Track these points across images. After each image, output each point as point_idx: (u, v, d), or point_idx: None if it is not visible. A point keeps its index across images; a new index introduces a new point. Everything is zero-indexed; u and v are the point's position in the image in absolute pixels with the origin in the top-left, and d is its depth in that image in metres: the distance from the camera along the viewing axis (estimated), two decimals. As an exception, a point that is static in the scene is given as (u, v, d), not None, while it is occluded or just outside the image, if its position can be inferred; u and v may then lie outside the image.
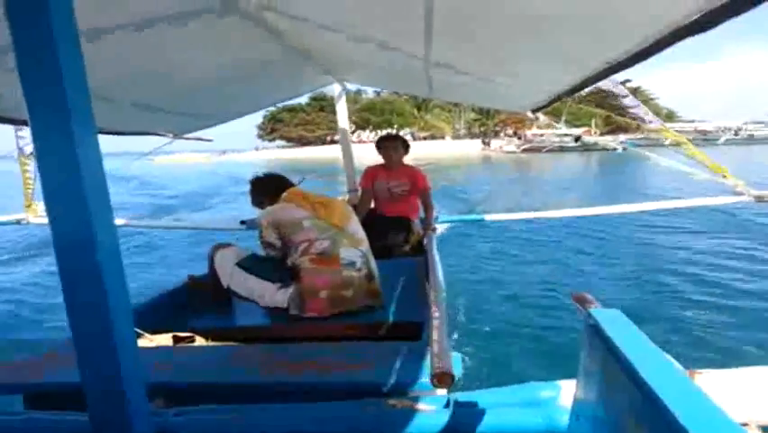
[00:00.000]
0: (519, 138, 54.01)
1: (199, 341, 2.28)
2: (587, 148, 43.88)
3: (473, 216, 6.14)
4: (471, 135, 69.87)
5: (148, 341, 2.19)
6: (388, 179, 4.48)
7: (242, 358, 1.91)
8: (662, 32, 1.57)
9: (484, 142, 58.29)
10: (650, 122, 4.23)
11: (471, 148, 53.92)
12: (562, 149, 47.04)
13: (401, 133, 5.04)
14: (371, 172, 4.60)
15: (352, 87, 5.44)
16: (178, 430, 1.26)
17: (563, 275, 6.03)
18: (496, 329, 4.17)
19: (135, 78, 2.52)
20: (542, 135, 50.51)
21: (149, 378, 1.10)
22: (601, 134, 47.23)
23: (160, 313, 2.56)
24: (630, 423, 0.80)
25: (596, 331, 0.98)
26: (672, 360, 0.87)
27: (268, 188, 2.83)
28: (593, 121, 49.83)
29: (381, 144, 4.54)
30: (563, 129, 42.08)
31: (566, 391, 1.28)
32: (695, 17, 1.37)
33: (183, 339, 2.27)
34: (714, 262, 6.45)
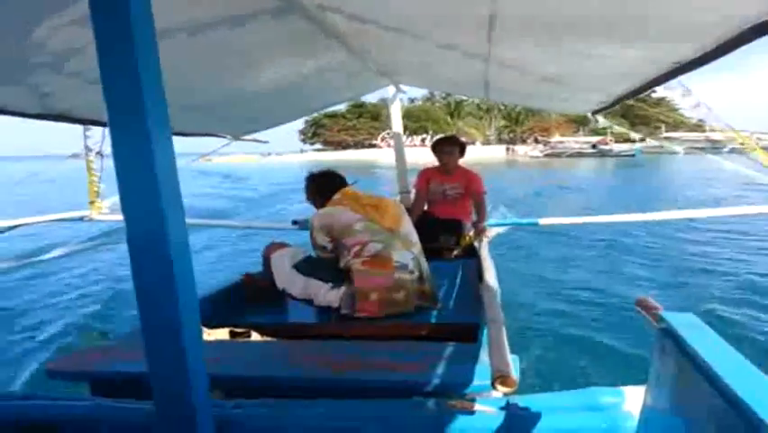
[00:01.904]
0: (543, 144, 59.12)
1: (255, 336, 2.33)
2: (603, 154, 49.86)
3: (526, 220, 6.04)
4: (501, 141, 73.88)
5: (206, 335, 2.24)
6: (443, 181, 4.46)
7: (298, 354, 1.93)
8: (731, 32, 1.51)
9: (508, 149, 63.58)
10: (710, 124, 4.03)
11: (498, 153, 58.73)
12: (580, 154, 51.74)
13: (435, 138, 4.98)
14: (426, 174, 4.59)
15: (387, 95, 5.46)
16: (237, 422, 1.28)
17: (618, 280, 5.85)
18: (548, 333, 4.08)
19: (196, 80, 2.60)
20: (563, 142, 56.63)
21: (208, 370, 1.12)
22: (631, 141, 51.94)
23: (217, 308, 2.62)
24: (710, 431, 0.76)
25: (669, 335, 0.94)
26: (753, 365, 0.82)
27: (323, 185, 2.84)
28: (608, 131, 52.19)
29: (438, 147, 4.52)
30: (583, 137, 53.16)
31: (630, 398, 1.24)
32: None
33: (240, 334, 2.32)
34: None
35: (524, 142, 70.21)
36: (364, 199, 2.68)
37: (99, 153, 5.37)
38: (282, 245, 2.85)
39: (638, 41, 1.96)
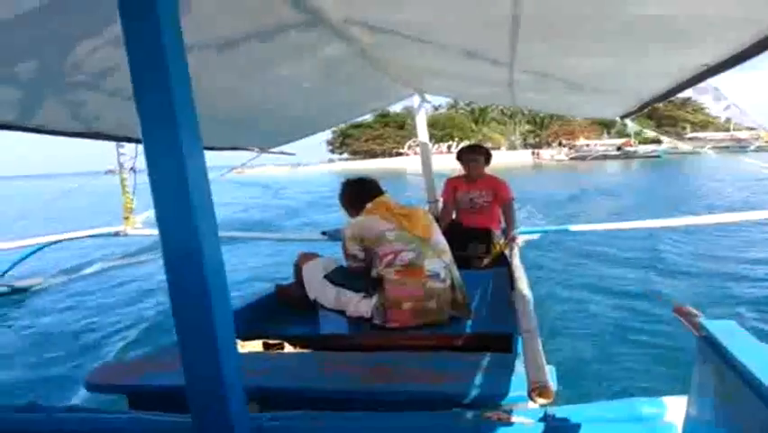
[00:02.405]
0: (568, 148, 61.90)
1: (288, 348, 2.34)
2: (627, 156, 51.62)
3: (557, 227, 5.98)
4: (526, 146, 74.48)
5: (240, 347, 2.26)
6: (469, 189, 4.44)
7: (331, 365, 1.94)
8: (760, 34, 1.48)
9: (533, 153, 64.29)
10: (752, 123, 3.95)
11: (524, 158, 59.36)
12: (605, 157, 53.19)
13: (461, 145, 4.97)
14: (452, 183, 4.58)
15: (412, 104, 5.48)
16: None
17: (653, 286, 5.73)
18: (586, 343, 4.01)
19: (224, 95, 2.65)
20: (588, 145, 59.26)
21: (242, 382, 1.13)
22: (657, 142, 53.81)
23: (249, 320, 2.64)
24: None
25: (709, 343, 0.92)
26: None
27: (358, 192, 2.82)
28: (632, 133, 54.80)
29: (463, 156, 4.51)
30: (607, 140, 56.97)
31: (672, 408, 1.21)
32: None
33: (273, 346, 2.34)
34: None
35: (549, 145, 71.14)
36: (396, 209, 2.68)
37: (132, 169, 5.52)
38: (313, 255, 2.87)
39: (666, 42, 1.93)
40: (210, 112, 2.73)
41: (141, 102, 0.95)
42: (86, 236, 6.22)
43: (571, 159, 55.46)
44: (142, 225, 5.81)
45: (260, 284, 5.56)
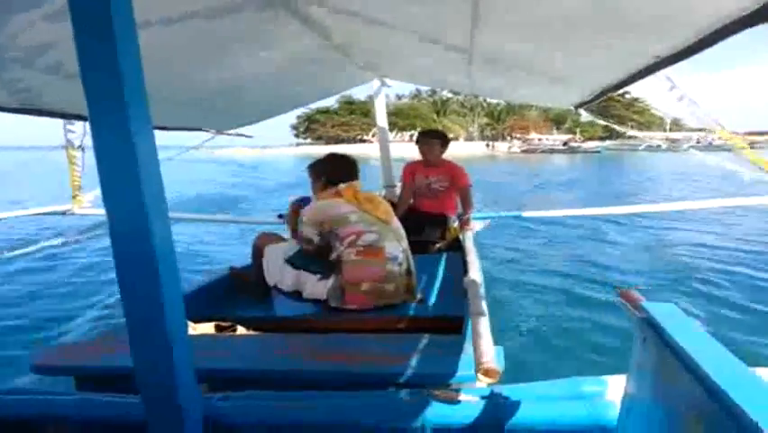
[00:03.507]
0: (521, 141, 69.20)
1: (241, 330, 2.32)
2: (572, 150, 59.37)
3: (510, 213, 6.09)
4: (483, 138, 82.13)
5: (191, 329, 2.22)
6: (427, 174, 4.47)
7: (283, 347, 1.93)
8: (713, 25, 1.52)
9: (487, 145, 71.82)
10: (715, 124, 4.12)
11: (478, 149, 66.04)
12: (552, 151, 60.61)
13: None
14: (411, 168, 4.59)
15: (372, 88, 5.48)
16: (225, 415, 1.28)
17: (601, 271, 5.93)
18: (533, 325, 4.12)
19: (178, 74, 2.57)
20: (539, 140, 67.45)
21: (194, 365, 1.12)
22: (600, 139, 67.80)
23: (202, 302, 2.61)
24: (690, 419, 0.77)
25: (650, 325, 0.95)
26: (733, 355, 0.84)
27: (340, 170, 2.74)
28: (577, 130, 70.51)
29: (419, 140, 4.53)
30: (555, 135, 66.47)
31: (613, 387, 1.26)
32: (751, 9, 1.32)
33: (226, 328, 2.31)
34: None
35: (504, 138, 77.96)
36: (360, 193, 2.67)
37: (81, 147, 5.32)
38: (273, 236, 2.82)
39: (619, 32, 1.97)
40: (162, 92, 2.66)
41: (87, 79, 0.92)
42: (33, 214, 5.98)
43: (523, 151, 61.67)
44: (91, 204, 5.62)
45: (214, 266, 5.49)
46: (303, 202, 2.82)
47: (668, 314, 0.95)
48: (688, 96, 3.85)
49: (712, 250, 6.95)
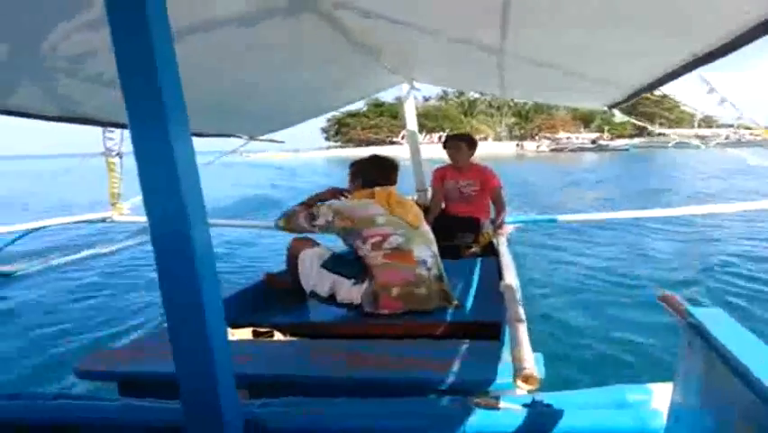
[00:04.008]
0: (549, 140, 67.87)
1: (278, 336, 2.34)
2: (601, 148, 58.61)
3: (545, 217, 6.01)
4: (512, 137, 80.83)
5: (229, 335, 2.25)
6: (457, 178, 4.44)
7: (321, 353, 1.94)
8: (747, 24, 1.48)
9: (517, 145, 71.02)
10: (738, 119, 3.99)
11: (508, 149, 65.11)
12: (581, 149, 59.83)
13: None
14: (440, 172, 4.58)
15: (401, 91, 5.46)
16: (264, 421, 1.29)
17: (643, 276, 5.78)
18: (573, 331, 4.04)
19: (211, 81, 2.62)
20: (568, 138, 66.91)
21: (233, 370, 1.13)
22: (630, 137, 67.25)
23: (239, 308, 2.64)
24: (741, 426, 0.75)
25: (696, 330, 0.93)
26: None
27: (380, 172, 2.75)
28: (603, 127, 70.85)
29: (447, 144, 4.51)
30: (583, 134, 67.47)
31: (658, 395, 1.22)
32: None
33: (262, 334, 2.34)
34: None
35: (532, 138, 76.83)
36: (393, 197, 2.66)
37: (119, 155, 5.45)
38: (306, 241, 2.82)
39: (654, 31, 1.93)
40: (197, 98, 2.70)
41: (127, 87, 0.94)
42: (73, 222, 6.14)
43: (552, 150, 61.21)
44: (130, 211, 5.76)
45: (251, 273, 5.55)
46: (341, 192, 2.84)
47: (715, 318, 0.92)
48: (721, 92, 3.75)
49: (755, 249, 6.74)
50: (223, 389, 1.07)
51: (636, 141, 63.58)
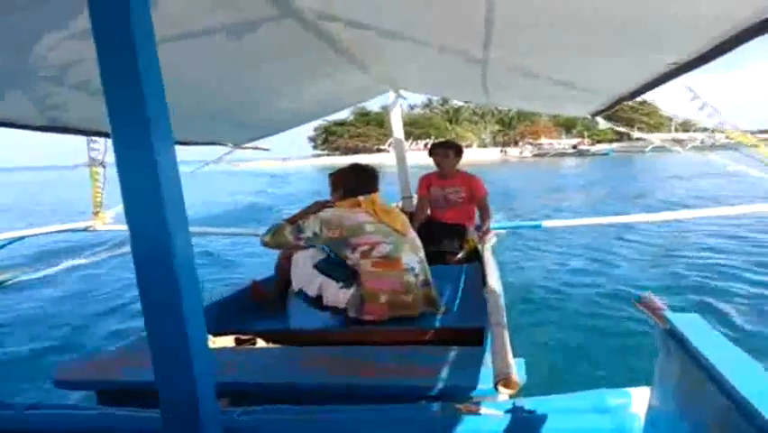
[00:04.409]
0: (532, 146, 70.94)
1: (260, 343, 2.33)
2: (581, 153, 61.22)
3: (530, 223, 6.04)
4: (496, 144, 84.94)
5: (211, 343, 2.24)
6: (443, 185, 4.46)
7: (304, 360, 1.93)
8: (727, 32, 1.51)
9: (501, 151, 73.98)
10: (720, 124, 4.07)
11: (492, 155, 68.05)
12: (563, 154, 62.55)
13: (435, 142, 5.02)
14: (427, 180, 4.59)
15: (388, 100, 5.50)
16: (245, 429, 1.28)
17: (624, 280, 5.84)
18: (556, 335, 4.07)
19: (196, 90, 2.61)
20: (550, 144, 69.52)
21: (214, 378, 1.13)
22: (609, 141, 70.10)
23: (222, 316, 2.63)
24: (716, 431, 0.76)
25: (673, 336, 0.94)
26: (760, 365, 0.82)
27: (361, 182, 2.74)
28: (583, 133, 73.97)
29: (433, 151, 4.53)
30: (565, 139, 73.06)
31: (637, 399, 1.24)
32: (765, 16, 1.31)
33: (245, 341, 2.33)
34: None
35: (516, 144, 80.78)
36: (378, 204, 2.67)
37: (102, 164, 5.40)
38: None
39: (634, 41, 1.96)
40: (181, 107, 2.69)
41: (109, 96, 0.94)
42: (55, 231, 6.07)
43: (534, 156, 63.94)
44: (113, 220, 5.70)
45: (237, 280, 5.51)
46: (325, 205, 2.84)
47: (691, 324, 0.93)
48: (702, 98, 3.83)
49: (736, 253, 6.82)
50: (202, 397, 1.07)
51: (615, 145, 66.36)
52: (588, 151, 63.95)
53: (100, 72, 0.93)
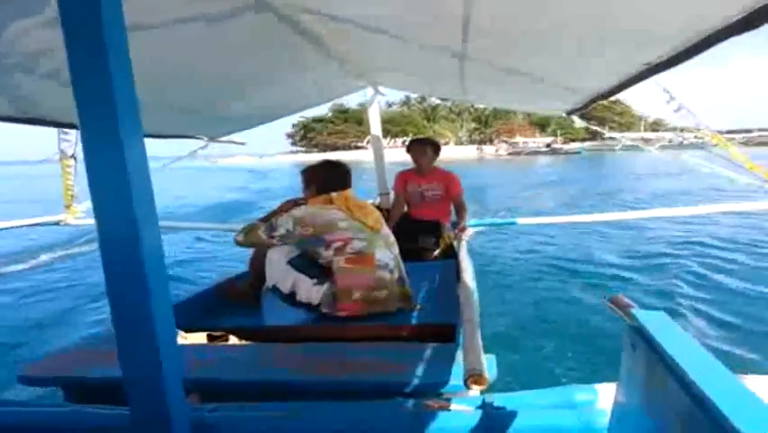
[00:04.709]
0: (507, 144, 75.81)
1: (233, 340, 2.31)
2: (554, 152, 64.69)
3: (505, 220, 6.10)
4: (472, 142, 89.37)
5: (182, 339, 2.22)
6: (420, 182, 4.48)
7: (275, 357, 1.92)
8: (702, 33, 1.53)
9: (478, 149, 78.70)
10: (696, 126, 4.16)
11: (469, 152, 72.52)
12: (536, 152, 66.07)
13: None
14: (404, 176, 4.60)
15: (366, 96, 5.50)
16: (214, 426, 1.27)
17: (595, 278, 5.93)
18: (527, 332, 4.12)
19: (169, 79, 2.57)
20: (525, 143, 74.43)
21: (184, 375, 1.11)
22: (582, 140, 73.94)
23: (194, 312, 2.60)
24: (677, 428, 0.77)
25: (639, 333, 0.95)
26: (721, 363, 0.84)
27: (333, 178, 2.73)
28: (557, 132, 78.65)
29: (411, 148, 4.54)
30: (539, 138, 76.06)
31: (604, 395, 1.25)
32: (737, 17, 1.33)
33: (217, 338, 2.30)
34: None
35: (491, 142, 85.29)
36: (351, 200, 2.67)
37: (73, 157, 5.30)
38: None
39: (607, 41, 1.98)
40: (153, 99, 2.65)
41: (78, 85, 0.92)
42: (26, 225, 5.94)
43: (509, 154, 67.73)
44: (84, 214, 5.60)
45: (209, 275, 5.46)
46: (297, 203, 2.82)
47: (657, 321, 0.95)
48: (678, 100, 3.90)
49: (703, 253, 6.97)
50: (171, 393, 1.06)
51: (587, 144, 69.76)
52: (561, 149, 67.40)
53: (68, 61, 0.91)
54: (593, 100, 3.24)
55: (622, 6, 1.58)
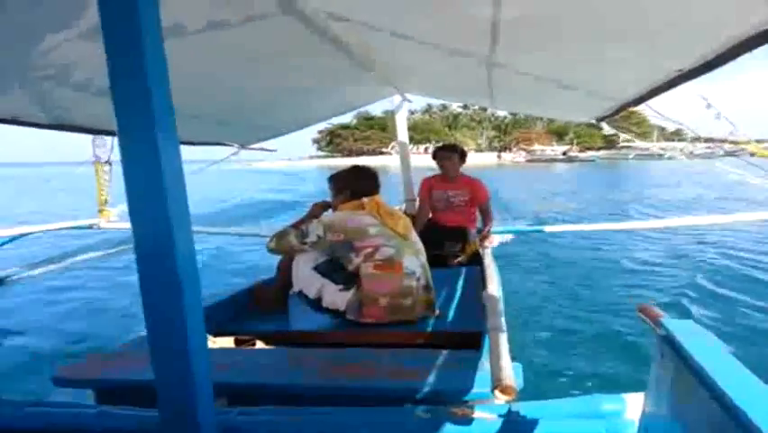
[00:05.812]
0: (525, 152, 78.37)
1: (260, 344, 2.33)
2: (570, 159, 67.77)
3: (531, 228, 6.05)
4: (491, 149, 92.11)
5: (211, 343, 2.25)
6: (445, 188, 4.47)
7: (301, 361, 1.93)
8: (733, 39, 1.51)
9: (498, 156, 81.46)
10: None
11: (490, 159, 75.26)
12: (553, 160, 69.26)
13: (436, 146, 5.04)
14: (429, 182, 4.59)
15: (392, 103, 5.50)
16: (241, 429, 1.29)
17: (624, 287, 5.83)
18: (554, 341, 4.07)
19: (202, 90, 2.62)
20: (542, 150, 76.99)
21: (212, 378, 1.13)
22: (597, 149, 78.07)
23: (222, 316, 2.63)
24: None
25: (669, 342, 0.94)
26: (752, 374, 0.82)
27: (363, 184, 2.74)
28: (573, 141, 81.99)
29: (438, 155, 4.53)
30: (555, 146, 79.06)
31: (632, 405, 1.24)
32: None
33: (245, 342, 2.33)
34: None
35: (510, 150, 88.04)
36: (382, 206, 2.67)
37: (108, 162, 5.44)
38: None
39: (640, 47, 1.96)
40: (187, 107, 2.71)
41: (116, 94, 0.95)
42: (60, 228, 6.11)
43: (528, 161, 70.47)
44: (118, 218, 5.74)
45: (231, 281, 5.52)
46: (326, 206, 2.84)
47: (686, 330, 0.94)
48: (721, 113, 3.82)
49: (735, 260, 6.80)
50: (200, 396, 1.07)
51: (602, 153, 73.54)
52: (576, 157, 70.36)
53: (108, 70, 0.94)
54: (622, 107, 3.20)
55: (654, 12, 1.56)
